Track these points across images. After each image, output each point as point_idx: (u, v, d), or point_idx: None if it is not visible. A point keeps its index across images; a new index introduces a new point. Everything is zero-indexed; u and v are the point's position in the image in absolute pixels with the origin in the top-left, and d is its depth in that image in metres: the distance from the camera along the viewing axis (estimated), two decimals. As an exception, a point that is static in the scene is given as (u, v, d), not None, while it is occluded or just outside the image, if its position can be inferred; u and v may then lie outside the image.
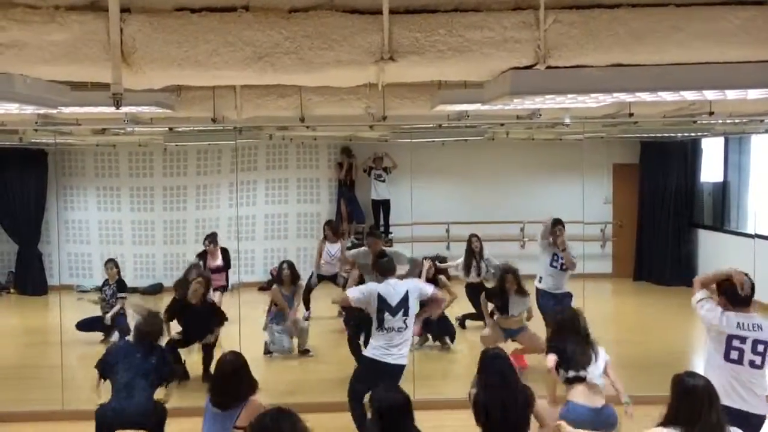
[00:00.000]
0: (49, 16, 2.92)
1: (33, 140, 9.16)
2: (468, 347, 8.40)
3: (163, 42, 2.97)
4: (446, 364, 8.27)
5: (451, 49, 3.04)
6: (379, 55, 3.04)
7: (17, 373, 8.24)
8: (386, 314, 5.59)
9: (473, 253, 8.66)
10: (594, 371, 5.16)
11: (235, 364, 4.38)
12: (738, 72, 3.07)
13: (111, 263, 9.15)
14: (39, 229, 11.94)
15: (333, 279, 9.56)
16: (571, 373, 5.05)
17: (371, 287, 5.81)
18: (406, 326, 5.64)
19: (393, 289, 5.67)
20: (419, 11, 3.06)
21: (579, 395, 5.04)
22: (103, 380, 5.18)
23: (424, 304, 5.90)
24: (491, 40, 3.02)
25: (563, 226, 7.74)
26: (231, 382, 4.29)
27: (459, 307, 8.78)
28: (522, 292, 7.44)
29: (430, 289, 5.96)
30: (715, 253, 11.92)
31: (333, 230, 9.89)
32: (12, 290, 12.08)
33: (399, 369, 5.61)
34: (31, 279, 11.87)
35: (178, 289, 7.71)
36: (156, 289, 11.78)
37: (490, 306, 7.59)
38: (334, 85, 3.90)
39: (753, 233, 10.02)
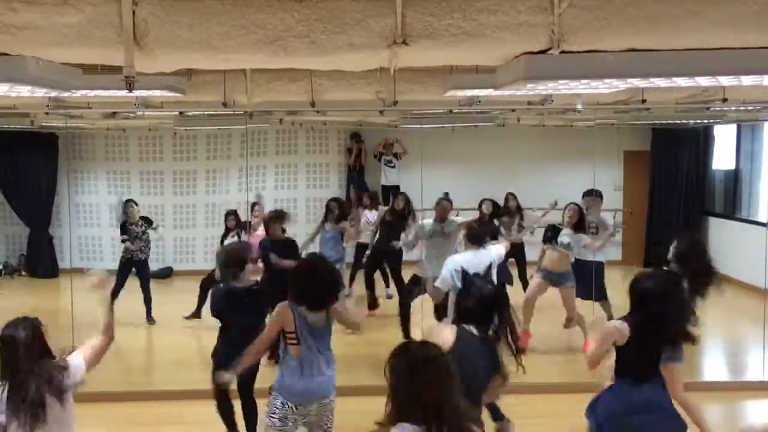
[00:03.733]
0: (62, -2, 2.91)
1: (44, 124, 9.18)
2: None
3: (175, 25, 2.96)
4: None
5: (465, 33, 3.01)
6: (392, 39, 3.02)
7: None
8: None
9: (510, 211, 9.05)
10: None
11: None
12: (755, 57, 3.03)
13: (132, 202, 9.35)
14: (50, 213, 12.01)
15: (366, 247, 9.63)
16: None
17: (450, 262, 5.59)
18: None
19: (479, 259, 5.52)
20: (433, -5, 3.03)
21: None
22: None
23: None
24: (505, 24, 2.99)
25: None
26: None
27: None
28: (579, 228, 7.59)
29: (502, 251, 5.94)
30: (726, 241, 11.86)
31: (371, 197, 10.18)
32: (23, 273, 12.18)
33: None
34: (42, 262, 11.96)
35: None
36: (166, 273, 11.84)
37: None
38: (346, 70, 3.89)
39: (765, 221, 9.95)
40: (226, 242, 8.73)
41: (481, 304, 3.71)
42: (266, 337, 4.40)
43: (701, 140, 12.39)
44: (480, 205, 9.07)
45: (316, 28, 3.00)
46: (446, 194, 8.30)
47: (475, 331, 3.65)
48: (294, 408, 4.22)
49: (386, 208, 9.72)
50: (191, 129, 10.98)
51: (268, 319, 4.86)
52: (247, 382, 5.32)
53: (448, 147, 11.55)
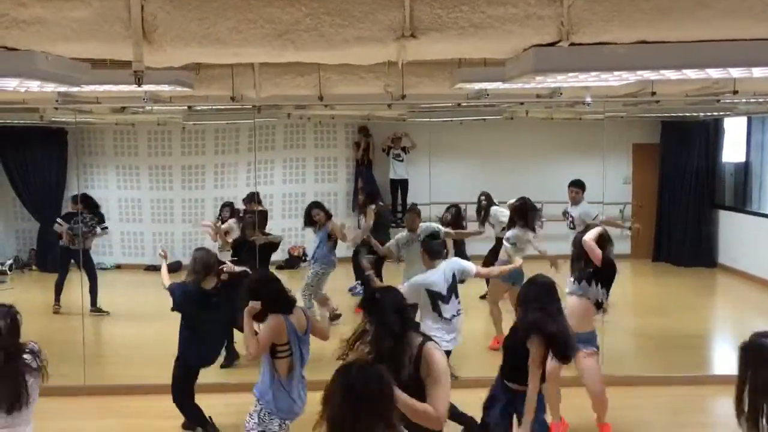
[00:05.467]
0: (70, -8, 2.91)
1: (53, 119, 9.22)
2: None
3: (183, 19, 2.96)
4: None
5: (473, 25, 3.00)
6: (400, 32, 3.00)
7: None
8: (440, 304, 5.40)
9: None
10: None
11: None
12: (766, 49, 3.00)
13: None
14: (60, 207, 12.05)
15: None
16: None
17: (416, 282, 5.50)
18: (460, 307, 5.53)
19: (442, 275, 5.47)
20: (441, -13, 3.01)
21: None
22: None
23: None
24: (514, 16, 2.97)
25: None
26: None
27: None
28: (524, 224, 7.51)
29: (473, 269, 5.72)
30: (737, 234, 11.81)
31: (367, 195, 10.21)
32: (33, 267, 12.24)
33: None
34: (52, 256, 12.00)
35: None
36: (175, 267, 11.84)
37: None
38: (354, 63, 3.88)
39: (775, 214, 9.92)
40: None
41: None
42: (260, 353, 4.35)
43: (711, 133, 12.31)
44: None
45: (325, 21, 2.99)
46: (414, 204, 8.42)
47: None
48: (288, 422, 4.37)
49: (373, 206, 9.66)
50: (200, 123, 11.00)
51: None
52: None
53: (457, 140, 11.51)
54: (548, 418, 4.72)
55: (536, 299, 4.24)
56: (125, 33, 2.96)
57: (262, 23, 3.00)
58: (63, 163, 12.13)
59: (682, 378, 6.95)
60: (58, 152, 12.04)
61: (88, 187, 12.30)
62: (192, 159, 12.35)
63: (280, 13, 2.99)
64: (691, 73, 3.34)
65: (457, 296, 5.51)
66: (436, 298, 5.40)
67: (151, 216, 12.29)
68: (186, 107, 7.91)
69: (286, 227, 12.27)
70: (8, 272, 11.82)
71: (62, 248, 9.56)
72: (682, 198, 12.47)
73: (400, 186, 12.13)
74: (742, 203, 11.93)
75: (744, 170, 11.88)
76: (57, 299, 9.44)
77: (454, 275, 5.51)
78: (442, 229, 7.67)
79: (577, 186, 8.35)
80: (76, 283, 8.85)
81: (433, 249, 5.61)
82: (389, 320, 3.42)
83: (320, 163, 12.71)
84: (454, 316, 5.45)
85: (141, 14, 2.93)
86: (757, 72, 3.43)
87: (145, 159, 12.33)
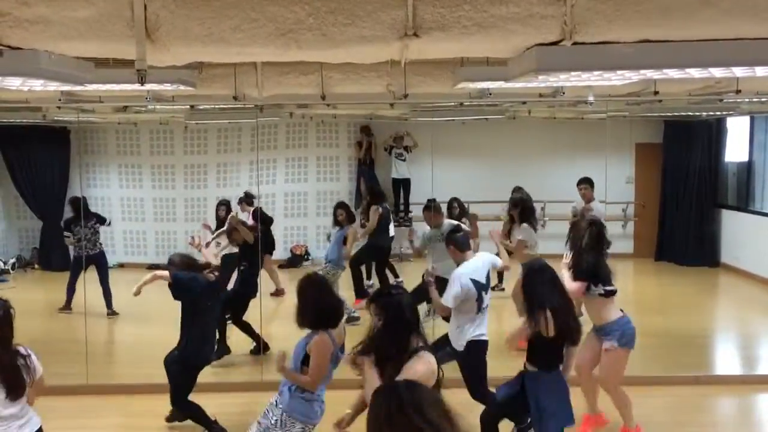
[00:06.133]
0: (74, -8, 2.91)
1: (56, 118, 9.23)
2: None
3: (186, 18, 2.96)
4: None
5: (476, 24, 2.99)
6: (403, 31, 3.00)
7: (42, 348, 8.28)
8: (483, 294, 5.40)
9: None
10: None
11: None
12: (769, 48, 3.00)
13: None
14: (62, 206, 12.06)
15: None
16: (608, 288, 5.24)
17: (461, 276, 5.39)
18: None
19: (480, 264, 5.49)
20: (444, -14, 3.01)
21: (617, 309, 5.28)
22: None
23: None
24: (517, 15, 2.96)
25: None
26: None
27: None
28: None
29: (499, 262, 5.75)
30: (740, 233, 11.80)
31: (371, 193, 10.23)
32: (36, 266, 12.26)
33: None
34: (54, 255, 12.03)
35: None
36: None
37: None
38: (357, 62, 3.88)
39: (778, 214, 9.91)
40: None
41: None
42: (319, 382, 4.19)
43: (714, 132, 12.30)
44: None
45: (327, 20, 2.99)
46: (433, 200, 8.24)
47: None
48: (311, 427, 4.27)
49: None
50: (202, 123, 11.01)
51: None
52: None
53: (459, 140, 11.51)
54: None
55: (531, 282, 4.47)
56: (128, 32, 2.97)
57: (264, 22, 3.00)
58: (66, 162, 12.14)
59: (684, 378, 6.94)
60: (60, 151, 12.06)
61: (91, 186, 12.33)
62: (194, 158, 12.37)
63: (283, 12, 2.99)
64: (695, 73, 3.33)
65: (489, 286, 5.54)
66: (480, 289, 5.39)
67: (154, 215, 12.31)
68: (188, 106, 7.91)
69: (288, 226, 12.29)
70: (11, 271, 11.85)
71: (75, 256, 9.53)
72: (685, 197, 12.46)
73: (402, 185, 12.14)
74: (744, 203, 11.91)
75: (747, 170, 11.86)
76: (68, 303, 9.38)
77: (488, 270, 5.53)
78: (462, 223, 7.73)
79: (588, 183, 8.32)
80: (79, 282, 8.86)
81: (460, 241, 5.60)
82: (401, 320, 3.46)
83: (322, 162, 12.71)
84: (488, 307, 5.49)
85: (144, 13, 2.93)
86: (761, 71, 3.43)
87: (147, 158, 12.35)
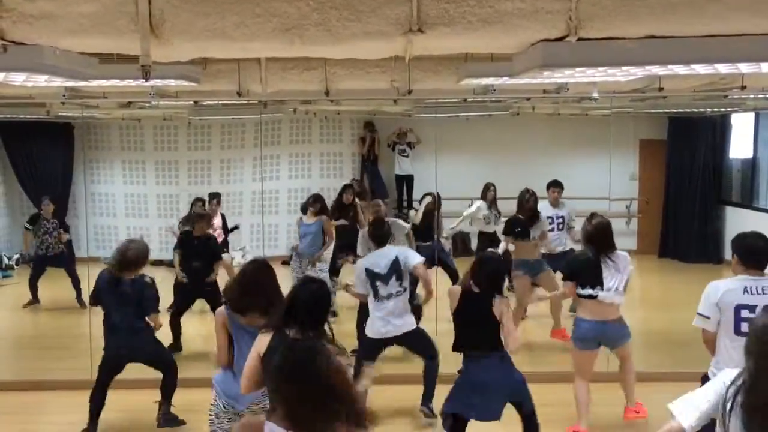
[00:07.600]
0: (78, -13, 2.92)
1: (60, 113, 9.23)
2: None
3: (191, 13, 2.96)
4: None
5: (481, 20, 2.99)
6: (408, 27, 3.00)
7: (46, 343, 8.40)
8: (378, 283, 5.62)
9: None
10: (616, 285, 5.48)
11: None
12: (775, 44, 2.99)
13: (48, 200, 9.77)
14: (66, 202, 12.09)
15: None
16: (587, 291, 5.42)
17: (358, 266, 5.86)
18: (404, 289, 5.68)
19: (382, 257, 5.70)
20: (448, -18, 3.00)
21: (586, 312, 5.44)
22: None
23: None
24: (521, 11, 2.96)
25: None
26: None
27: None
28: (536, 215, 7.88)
29: (415, 260, 5.75)
30: (744, 230, 11.73)
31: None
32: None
33: (408, 336, 5.66)
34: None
35: (185, 223, 8.56)
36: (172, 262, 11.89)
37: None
38: (361, 58, 3.87)
39: (783, 211, 9.88)
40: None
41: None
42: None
43: (718, 129, 12.26)
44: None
45: (332, 15, 2.99)
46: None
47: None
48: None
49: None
50: (206, 119, 11.00)
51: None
52: None
53: (462, 136, 11.50)
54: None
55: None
56: (132, 27, 2.97)
57: (268, 17, 2.99)
58: (69, 158, 12.16)
59: (687, 374, 6.91)
60: (64, 147, 12.08)
61: (95, 182, 12.35)
62: (198, 154, 12.38)
63: (287, 7, 2.99)
64: (700, 68, 3.32)
65: (399, 278, 5.66)
66: (374, 277, 5.67)
67: (157, 211, 12.33)
68: (192, 102, 7.91)
69: (291, 222, 12.29)
70: (15, 267, 11.87)
71: (38, 254, 9.58)
72: (689, 194, 12.43)
73: (406, 181, 12.14)
74: (749, 199, 11.88)
75: (751, 166, 11.83)
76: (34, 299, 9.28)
77: (396, 256, 5.72)
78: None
79: (559, 186, 8.42)
80: (83, 276, 8.87)
81: (377, 235, 6.04)
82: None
83: (326, 158, 12.71)
84: (393, 296, 5.66)
85: (148, 8, 2.94)
86: (766, 67, 3.41)
87: (151, 154, 12.36)
